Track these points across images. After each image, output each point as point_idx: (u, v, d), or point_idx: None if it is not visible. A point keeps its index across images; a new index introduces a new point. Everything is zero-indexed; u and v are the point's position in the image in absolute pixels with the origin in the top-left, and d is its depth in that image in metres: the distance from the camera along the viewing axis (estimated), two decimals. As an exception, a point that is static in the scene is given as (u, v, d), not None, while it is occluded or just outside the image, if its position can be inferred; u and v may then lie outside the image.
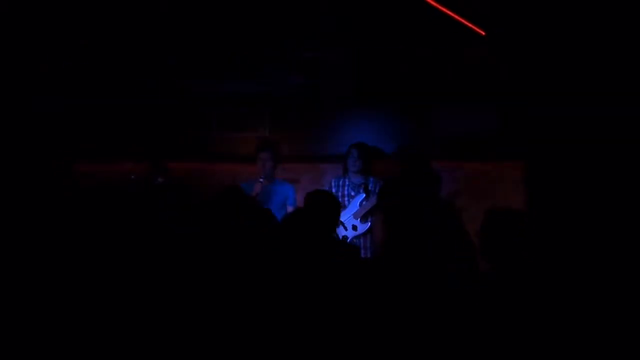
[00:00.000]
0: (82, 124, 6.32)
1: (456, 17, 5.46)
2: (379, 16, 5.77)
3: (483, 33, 5.62)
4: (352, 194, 5.46)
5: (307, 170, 6.54)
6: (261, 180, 5.32)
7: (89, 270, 3.05)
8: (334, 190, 5.52)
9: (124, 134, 6.35)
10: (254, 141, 6.19)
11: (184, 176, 5.86)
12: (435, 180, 5.24)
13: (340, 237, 5.33)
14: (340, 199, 5.45)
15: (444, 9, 5.41)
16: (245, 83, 6.34)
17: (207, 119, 6.56)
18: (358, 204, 5.38)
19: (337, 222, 3.99)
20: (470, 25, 5.56)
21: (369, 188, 5.37)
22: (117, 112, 6.38)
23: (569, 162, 5.66)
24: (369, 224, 5.35)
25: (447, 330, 2.63)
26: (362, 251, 5.29)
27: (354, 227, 5.35)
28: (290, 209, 5.33)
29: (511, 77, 6.07)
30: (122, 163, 6.31)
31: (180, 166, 5.92)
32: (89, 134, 6.33)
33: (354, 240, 5.32)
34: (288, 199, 5.46)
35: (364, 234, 5.37)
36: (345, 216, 5.36)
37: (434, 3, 5.38)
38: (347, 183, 5.52)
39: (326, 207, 3.67)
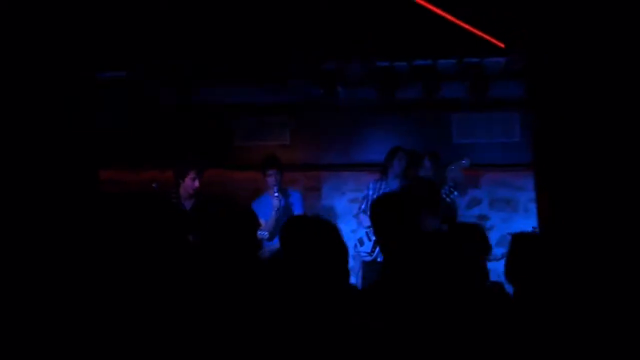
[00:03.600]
0: (104, 131, 6.42)
1: (475, 31, 5.46)
2: (399, 29, 5.78)
3: (502, 45, 5.61)
4: None
5: (328, 178, 6.60)
6: (276, 194, 5.36)
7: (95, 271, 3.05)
8: (371, 193, 5.53)
9: (147, 142, 6.43)
10: (275, 150, 6.26)
11: (206, 183, 5.91)
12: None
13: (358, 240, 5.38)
14: None
15: (464, 24, 5.40)
16: (267, 94, 6.40)
17: (229, 127, 6.64)
18: None
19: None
20: (489, 38, 5.56)
21: None
22: (141, 120, 6.49)
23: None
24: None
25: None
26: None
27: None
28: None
29: (532, 86, 6.06)
30: (145, 171, 6.42)
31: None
32: (111, 142, 6.42)
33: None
34: (294, 206, 5.50)
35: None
36: None
37: (454, 19, 5.38)
38: (384, 187, 5.51)
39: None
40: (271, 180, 5.39)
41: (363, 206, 5.60)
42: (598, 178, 5.54)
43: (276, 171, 5.40)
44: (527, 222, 5.64)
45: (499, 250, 4.40)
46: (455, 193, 5.23)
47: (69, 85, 6.12)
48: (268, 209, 5.34)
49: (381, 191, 5.49)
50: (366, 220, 5.41)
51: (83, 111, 6.36)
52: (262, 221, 5.29)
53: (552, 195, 5.85)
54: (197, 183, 5.13)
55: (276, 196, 5.34)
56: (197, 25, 5.52)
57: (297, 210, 5.44)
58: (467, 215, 6.26)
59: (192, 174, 5.12)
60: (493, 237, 5.31)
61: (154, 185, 5.53)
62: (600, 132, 5.59)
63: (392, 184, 5.48)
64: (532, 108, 6.01)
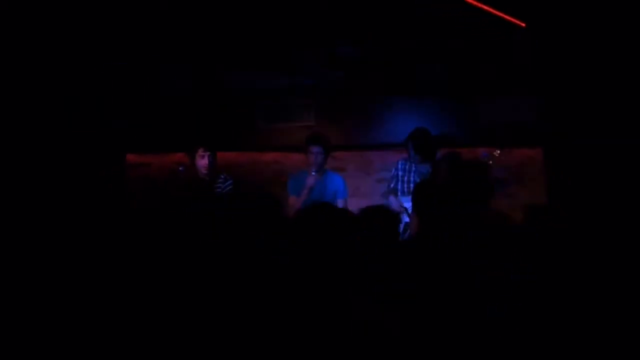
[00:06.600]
0: (131, 115, 6.47)
1: (494, 11, 5.42)
2: (424, 14, 5.74)
3: (523, 25, 5.57)
4: (418, 180, 5.29)
5: (353, 159, 6.57)
6: (313, 173, 5.20)
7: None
8: (400, 174, 5.46)
9: (173, 125, 6.46)
10: (300, 131, 6.25)
11: (231, 165, 5.93)
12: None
13: (404, 224, 5.24)
14: (405, 184, 5.41)
15: (483, 6, 5.36)
16: (291, 77, 6.43)
17: (254, 110, 6.64)
18: None
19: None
20: (509, 18, 5.52)
21: None
22: (166, 105, 6.52)
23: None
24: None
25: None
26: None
27: (419, 215, 5.26)
28: (340, 201, 5.21)
29: (554, 68, 6.02)
30: (171, 154, 6.44)
31: (229, 156, 6.01)
32: (138, 126, 6.47)
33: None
34: (338, 192, 5.29)
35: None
36: (410, 203, 5.17)
37: (474, 2, 5.34)
38: (413, 169, 5.39)
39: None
40: (312, 158, 5.20)
41: (392, 185, 5.51)
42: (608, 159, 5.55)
43: (320, 149, 5.21)
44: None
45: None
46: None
47: (95, 74, 6.24)
48: (304, 185, 5.20)
49: (411, 173, 5.41)
50: (394, 202, 5.38)
51: (109, 98, 6.46)
52: (294, 198, 5.24)
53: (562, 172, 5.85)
54: (205, 160, 4.99)
55: (313, 174, 5.19)
56: (219, 13, 5.57)
57: (341, 195, 5.28)
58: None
59: (200, 151, 5.01)
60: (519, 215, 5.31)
61: (180, 168, 5.55)
62: (609, 112, 5.60)
63: (421, 167, 5.32)
64: (543, 91, 6.03)
